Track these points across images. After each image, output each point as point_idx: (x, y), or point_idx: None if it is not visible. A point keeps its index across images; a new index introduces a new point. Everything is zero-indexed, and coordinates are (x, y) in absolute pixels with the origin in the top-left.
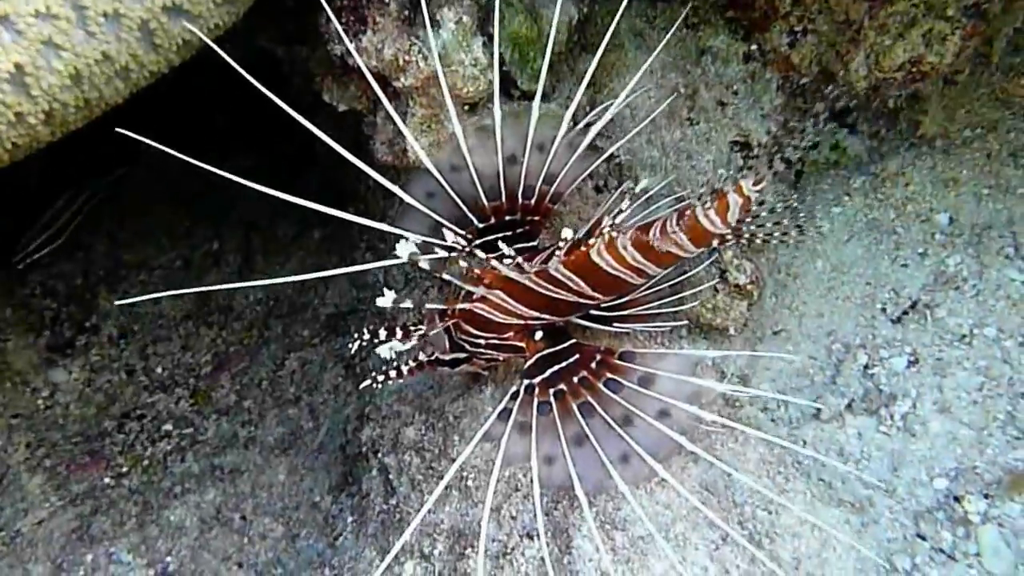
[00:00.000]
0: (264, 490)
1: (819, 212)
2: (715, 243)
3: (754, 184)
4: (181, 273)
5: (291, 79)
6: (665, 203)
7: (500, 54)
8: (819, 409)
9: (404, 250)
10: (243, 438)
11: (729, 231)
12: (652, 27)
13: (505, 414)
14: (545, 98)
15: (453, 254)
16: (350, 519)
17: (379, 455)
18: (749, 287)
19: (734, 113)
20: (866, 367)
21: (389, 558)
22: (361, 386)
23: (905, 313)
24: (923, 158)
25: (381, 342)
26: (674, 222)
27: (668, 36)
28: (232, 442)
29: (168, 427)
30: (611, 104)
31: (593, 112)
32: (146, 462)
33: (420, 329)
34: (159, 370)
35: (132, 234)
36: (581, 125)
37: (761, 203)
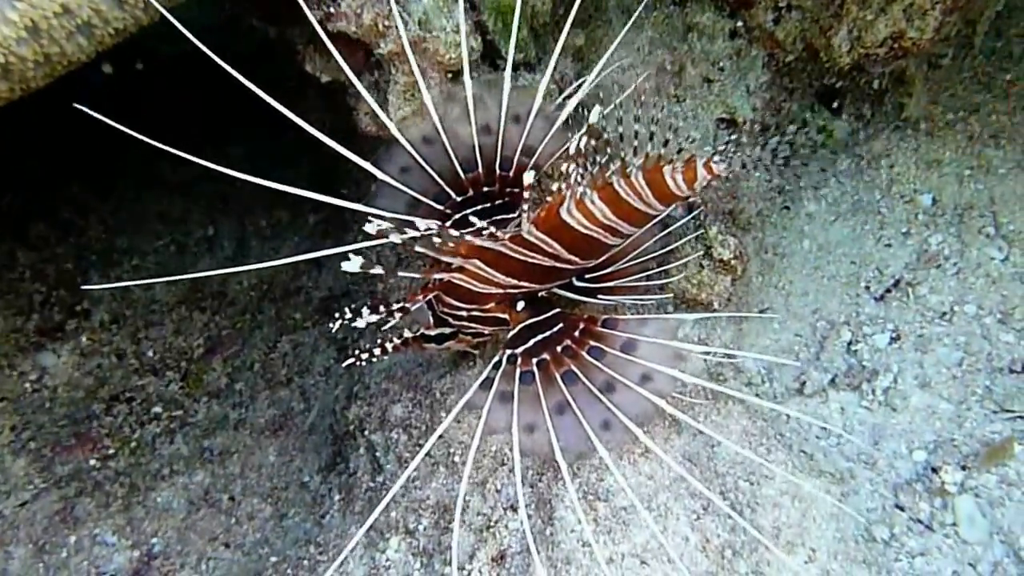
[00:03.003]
0: (253, 471)
1: (806, 193)
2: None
3: (725, 168)
4: (175, 258)
5: (283, 60)
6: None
7: (484, 22)
8: (803, 383)
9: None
10: (233, 420)
11: (695, 196)
12: (639, 2)
13: (487, 384)
14: (531, 69)
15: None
16: (337, 497)
17: (366, 433)
18: (733, 262)
19: (720, 90)
20: (850, 344)
21: (365, 527)
22: (344, 364)
23: (888, 291)
24: (907, 140)
25: (365, 319)
26: (640, 175)
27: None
28: (222, 424)
29: (157, 409)
30: (593, 77)
31: (573, 86)
32: (134, 444)
33: (403, 304)
34: (150, 353)
35: (125, 219)
36: (561, 98)
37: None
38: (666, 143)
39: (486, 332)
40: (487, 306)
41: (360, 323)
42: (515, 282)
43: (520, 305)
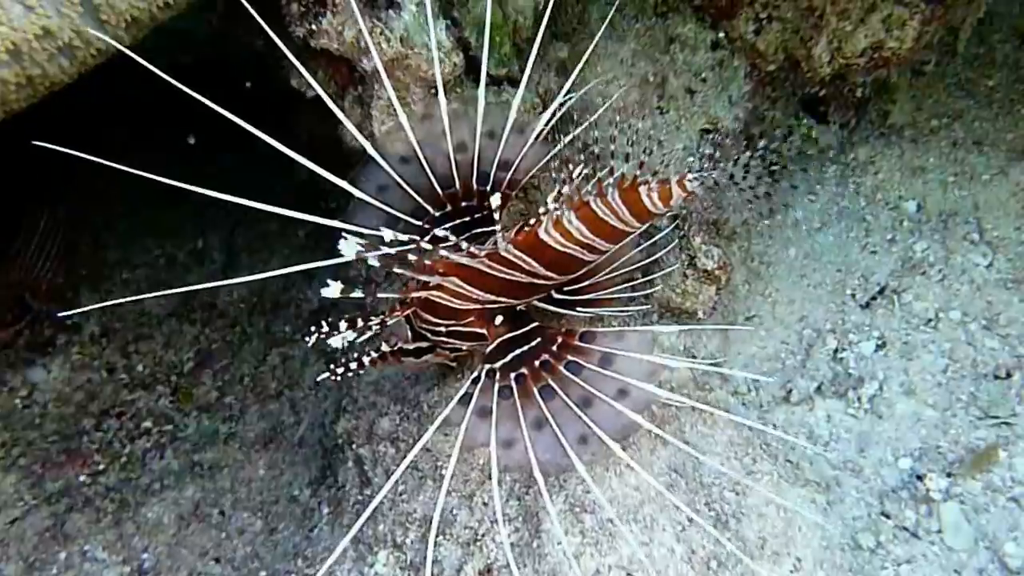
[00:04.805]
0: (244, 485)
1: (792, 201)
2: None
3: (699, 186)
4: (165, 271)
5: (273, 71)
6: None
7: (467, 38)
8: (790, 391)
9: (349, 248)
10: (224, 434)
11: (671, 211)
12: (621, 15)
13: (466, 399)
14: (514, 84)
15: (408, 247)
16: (326, 511)
17: (354, 446)
18: (717, 272)
19: (703, 101)
20: (835, 351)
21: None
22: (319, 378)
23: (874, 298)
24: (892, 147)
25: (341, 334)
26: (616, 193)
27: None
28: (213, 438)
29: (148, 424)
30: (572, 92)
31: (556, 101)
32: (124, 459)
33: (381, 318)
34: (140, 368)
35: (115, 232)
36: (547, 115)
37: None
38: (641, 165)
39: (464, 348)
40: (465, 321)
41: (336, 341)
42: (493, 298)
43: (498, 319)
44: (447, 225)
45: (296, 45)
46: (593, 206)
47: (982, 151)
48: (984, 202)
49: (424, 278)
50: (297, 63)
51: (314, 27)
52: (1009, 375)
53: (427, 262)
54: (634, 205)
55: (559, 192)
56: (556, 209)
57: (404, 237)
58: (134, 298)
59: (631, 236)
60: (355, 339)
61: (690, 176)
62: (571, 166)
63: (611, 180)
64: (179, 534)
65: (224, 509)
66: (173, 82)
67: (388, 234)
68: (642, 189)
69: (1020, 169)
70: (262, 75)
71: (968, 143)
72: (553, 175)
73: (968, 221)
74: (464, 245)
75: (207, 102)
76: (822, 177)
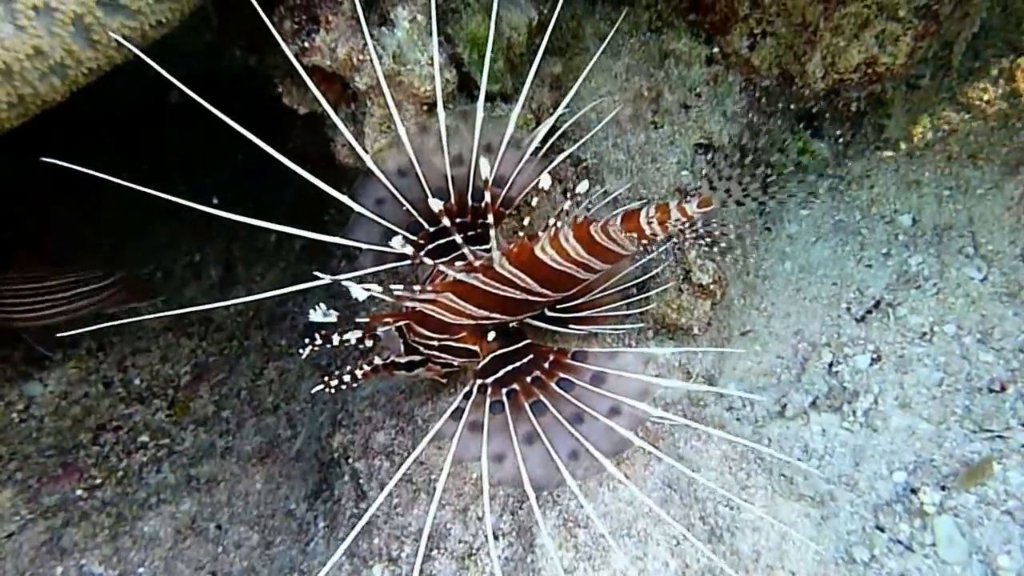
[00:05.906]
0: (240, 499)
1: (787, 215)
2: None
3: (699, 206)
4: (162, 284)
5: (264, 88)
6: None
7: (460, 54)
8: (784, 406)
9: (358, 293)
10: (220, 448)
11: (670, 235)
12: (616, 30)
13: (458, 413)
14: (508, 100)
15: (404, 261)
16: (322, 524)
17: (350, 460)
18: (712, 287)
19: (698, 115)
20: (831, 365)
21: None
22: (313, 390)
23: (869, 312)
24: (887, 161)
25: (334, 347)
26: (618, 226)
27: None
28: (209, 452)
29: (144, 438)
30: (567, 110)
31: (552, 118)
32: (120, 474)
33: (373, 328)
34: (137, 381)
35: (112, 246)
36: (542, 133)
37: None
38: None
39: (455, 364)
40: (458, 336)
41: (316, 316)
42: (487, 314)
43: (491, 335)
44: (441, 240)
45: (290, 62)
46: (592, 232)
47: (976, 165)
48: (979, 216)
49: (424, 299)
50: (312, 85)
51: (307, 44)
52: (1003, 388)
53: (427, 287)
54: (634, 232)
55: (561, 210)
56: (556, 225)
57: (408, 251)
58: (128, 320)
59: (627, 258)
60: (336, 319)
61: (689, 199)
62: (568, 185)
63: (618, 221)
64: (175, 548)
65: (221, 523)
66: (185, 89)
67: (397, 243)
68: (642, 215)
69: (1014, 183)
70: (259, 85)
71: (963, 157)
72: (548, 190)
73: (963, 235)
74: (468, 253)
75: (218, 113)
76: (817, 191)
